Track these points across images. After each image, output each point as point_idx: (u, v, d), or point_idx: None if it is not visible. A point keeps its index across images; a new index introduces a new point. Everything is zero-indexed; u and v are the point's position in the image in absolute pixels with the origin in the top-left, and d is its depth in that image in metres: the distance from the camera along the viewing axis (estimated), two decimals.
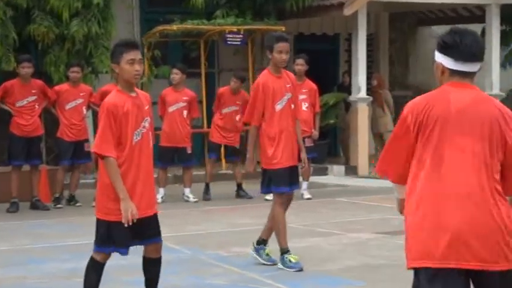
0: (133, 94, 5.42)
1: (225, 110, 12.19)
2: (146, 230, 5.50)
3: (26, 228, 9.90)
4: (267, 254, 7.56)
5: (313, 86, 12.23)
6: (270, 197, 9.42)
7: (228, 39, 15.14)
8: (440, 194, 3.54)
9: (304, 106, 11.80)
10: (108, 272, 7.32)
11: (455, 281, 3.54)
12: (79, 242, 8.83)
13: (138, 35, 15.70)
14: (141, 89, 14.72)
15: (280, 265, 7.33)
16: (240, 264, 7.59)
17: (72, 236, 9.25)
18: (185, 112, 11.90)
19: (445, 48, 3.68)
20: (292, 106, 7.46)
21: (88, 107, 11.87)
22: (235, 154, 12.33)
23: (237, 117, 12.10)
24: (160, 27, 14.82)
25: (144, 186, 5.41)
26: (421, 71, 19.18)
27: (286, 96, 7.42)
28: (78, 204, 11.66)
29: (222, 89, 12.59)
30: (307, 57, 12.14)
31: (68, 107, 11.56)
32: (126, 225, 5.30)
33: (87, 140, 11.94)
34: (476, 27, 17.46)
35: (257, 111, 7.37)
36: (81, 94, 11.64)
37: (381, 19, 18.45)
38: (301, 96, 11.76)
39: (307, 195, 12.08)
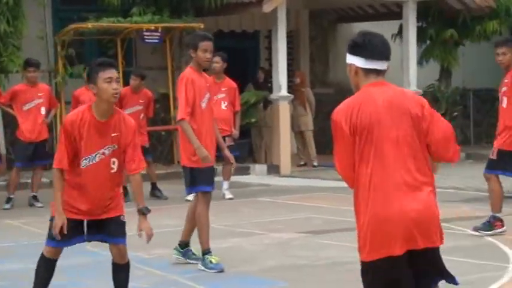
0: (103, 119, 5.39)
1: (128, 111, 11.75)
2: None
3: None
4: (194, 254, 7.60)
5: (233, 84, 12.21)
6: (191, 197, 9.36)
7: (146, 37, 15.02)
8: (386, 187, 3.85)
9: (224, 105, 11.77)
10: (23, 275, 7.17)
11: (402, 263, 3.87)
12: None
13: (51, 34, 15.42)
14: (55, 87, 14.54)
15: (200, 266, 7.29)
16: (161, 266, 7.51)
17: None
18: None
19: (356, 48, 4.02)
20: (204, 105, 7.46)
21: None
22: (146, 153, 12.14)
23: (141, 116, 11.88)
24: (74, 25, 14.58)
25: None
26: (341, 69, 19.30)
27: (207, 95, 7.46)
28: None
29: (123, 90, 12.21)
30: (225, 55, 12.07)
31: None
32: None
33: None
34: (393, 24, 17.76)
35: (189, 106, 7.27)
36: None
37: (300, 16, 18.56)
38: (221, 95, 11.77)
39: (228, 195, 12.02)
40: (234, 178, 13.42)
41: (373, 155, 3.87)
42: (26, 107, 11.36)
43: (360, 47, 4.00)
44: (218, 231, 8.81)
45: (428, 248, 3.88)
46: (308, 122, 16.23)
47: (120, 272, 5.75)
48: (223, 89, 11.82)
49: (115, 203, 5.58)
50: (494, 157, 8.62)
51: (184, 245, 7.64)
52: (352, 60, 4.04)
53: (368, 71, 3.98)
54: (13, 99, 11.38)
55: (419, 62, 17.81)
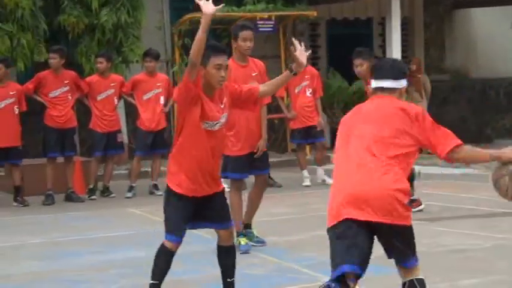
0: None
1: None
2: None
3: (60, 221, 10.00)
4: (257, 236, 7.92)
5: (315, 71, 12.46)
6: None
7: (259, 26, 15.10)
8: (347, 169, 4.66)
9: (308, 92, 11.93)
10: (147, 263, 7.41)
11: (355, 230, 4.57)
12: (113, 234, 8.92)
13: (168, 24, 15.76)
14: (173, 77, 14.86)
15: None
16: (277, 253, 7.59)
17: (106, 227, 9.33)
18: None
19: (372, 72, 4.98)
20: None
21: (120, 97, 11.93)
22: None
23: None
24: (189, 15, 14.82)
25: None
26: (458, 55, 19.02)
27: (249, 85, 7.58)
28: (112, 195, 11.74)
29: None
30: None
31: (99, 97, 11.62)
32: None
33: (119, 131, 11.99)
34: None
35: None
36: (112, 84, 11.68)
37: (415, 2, 18.30)
38: (305, 83, 12.02)
39: (329, 180, 12.15)
40: None
41: (343, 143, 4.77)
42: (145, 97, 11.64)
43: (373, 70, 4.98)
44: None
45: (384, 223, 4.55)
46: (424, 108, 16.03)
47: (228, 254, 5.73)
48: (306, 77, 11.99)
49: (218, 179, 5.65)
50: None
51: (246, 226, 7.93)
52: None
53: (376, 89, 4.86)
54: (134, 89, 11.70)
55: None
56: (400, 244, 4.70)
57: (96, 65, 11.69)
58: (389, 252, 4.78)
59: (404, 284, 4.86)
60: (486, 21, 18.94)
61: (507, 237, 7.96)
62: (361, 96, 15.94)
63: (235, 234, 7.53)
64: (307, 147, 13.90)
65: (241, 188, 7.98)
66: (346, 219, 4.54)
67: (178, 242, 5.55)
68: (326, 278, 6.40)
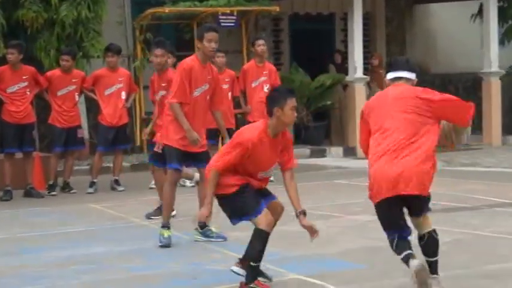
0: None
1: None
2: None
3: (20, 217, 9.94)
4: (216, 232, 8.03)
5: (273, 67, 12.58)
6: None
7: (222, 21, 15.12)
8: (381, 151, 5.60)
9: (266, 88, 12.09)
10: (108, 258, 7.39)
11: (394, 205, 5.73)
12: (74, 230, 8.88)
13: (130, 18, 15.70)
14: (134, 72, 14.81)
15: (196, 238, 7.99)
16: (238, 249, 7.61)
17: (67, 223, 9.28)
18: None
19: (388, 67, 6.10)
20: (208, 97, 7.97)
21: (81, 93, 11.87)
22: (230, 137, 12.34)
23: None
24: (151, 10, 14.81)
25: None
26: (418, 50, 19.19)
27: (204, 86, 7.90)
28: (72, 191, 11.68)
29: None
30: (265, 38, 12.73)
31: (59, 93, 11.56)
32: None
33: (80, 126, 11.94)
34: (473, 4, 17.50)
35: (181, 91, 7.79)
36: (73, 80, 11.62)
37: None
38: (263, 78, 12.11)
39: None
40: (310, 160, 13.51)
41: (377, 128, 5.68)
42: (107, 92, 11.60)
43: (389, 65, 6.14)
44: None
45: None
46: None
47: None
48: (264, 72, 12.13)
49: None
50: None
51: (203, 225, 7.98)
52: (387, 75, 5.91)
53: (395, 79, 5.82)
54: (95, 84, 11.65)
55: (501, 42, 17.50)
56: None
57: (62, 62, 11.58)
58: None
59: (423, 236, 5.91)
60: (446, 17, 19.15)
61: (465, 232, 8.07)
62: (323, 91, 16.09)
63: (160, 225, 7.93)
64: None
65: (177, 181, 8.21)
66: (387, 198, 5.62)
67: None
68: (290, 274, 6.49)
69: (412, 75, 5.84)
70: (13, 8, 12.96)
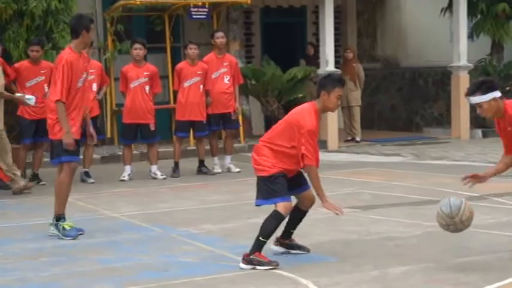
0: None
1: (186, 84, 12.12)
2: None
3: None
4: (67, 226, 8.00)
5: (234, 59, 12.73)
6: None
7: (193, 13, 15.09)
8: None
9: (226, 79, 12.20)
10: (78, 250, 7.35)
11: None
12: (43, 222, 8.80)
13: (100, 10, 15.58)
14: (105, 64, 14.72)
15: (53, 231, 7.92)
16: (210, 241, 7.61)
17: (36, 215, 9.20)
18: (147, 87, 11.89)
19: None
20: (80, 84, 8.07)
21: (49, 84, 11.74)
22: (202, 129, 12.32)
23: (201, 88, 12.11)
24: (122, 2, 14.72)
25: None
26: (389, 44, 19.28)
27: (84, 75, 8.10)
28: (42, 183, 11.58)
29: (180, 64, 12.47)
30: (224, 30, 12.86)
31: (28, 84, 11.45)
32: None
33: None
34: None
35: (66, 88, 7.88)
36: (42, 71, 11.50)
37: None
38: (223, 70, 12.22)
39: (235, 169, 12.34)
40: None
41: None
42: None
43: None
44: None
45: None
46: (357, 97, 16.24)
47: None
48: (225, 64, 12.23)
49: None
50: None
51: (58, 218, 8.04)
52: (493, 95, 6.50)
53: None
54: None
55: (470, 36, 17.60)
56: None
57: (31, 53, 11.46)
58: None
59: None
60: (416, 11, 19.22)
61: (435, 225, 8.10)
62: (295, 84, 16.09)
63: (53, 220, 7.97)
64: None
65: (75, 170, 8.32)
66: None
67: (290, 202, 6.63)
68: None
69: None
70: None
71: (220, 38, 12.26)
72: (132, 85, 11.86)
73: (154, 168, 12.04)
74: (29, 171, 11.79)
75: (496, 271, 6.22)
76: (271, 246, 6.81)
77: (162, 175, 11.97)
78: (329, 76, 6.74)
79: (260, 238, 6.47)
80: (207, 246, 7.42)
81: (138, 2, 14.76)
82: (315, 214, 8.90)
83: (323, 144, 15.38)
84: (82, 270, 6.66)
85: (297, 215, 6.90)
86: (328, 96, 6.52)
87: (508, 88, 17.85)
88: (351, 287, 5.95)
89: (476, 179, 6.64)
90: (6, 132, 11.12)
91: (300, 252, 6.93)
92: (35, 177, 11.68)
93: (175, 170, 12.15)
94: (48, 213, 9.23)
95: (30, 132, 11.47)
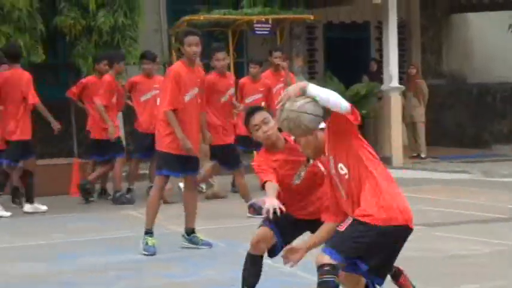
0: None
1: (248, 100, 11.92)
2: None
3: (58, 223, 10.01)
4: (203, 239, 8.12)
5: (290, 75, 12.39)
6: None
7: (257, 29, 15.19)
8: None
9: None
10: (146, 265, 7.45)
11: None
12: (111, 236, 8.96)
13: (166, 26, 15.81)
14: None
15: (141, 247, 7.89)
16: (276, 258, 7.62)
17: (103, 229, 9.36)
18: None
19: None
20: (199, 101, 8.06)
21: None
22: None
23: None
24: (187, 18, 14.89)
25: None
26: (455, 59, 19.11)
27: (194, 90, 7.97)
28: (110, 197, 11.71)
29: (243, 80, 12.16)
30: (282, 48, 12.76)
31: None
32: None
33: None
34: (510, 14, 17.39)
35: (173, 98, 7.85)
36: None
37: (412, 6, 18.40)
38: (279, 85, 11.92)
39: None
40: None
41: None
42: (143, 98, 11.60)
43: None
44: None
45: None
46: (421, 113, 16.14)
47: None
48: (261, 89, 11.71)
49: None
50: None
51: (190, 231, 8.11)
52: None
53: None
54: (131, 91, 11.71)
55: None
56: None
57: (105, 67, 11.53)
58: None
59: None
60: (483, 26, 19.04)
61: (505, 243, 8.02)
62: (358, 100, 16.04)
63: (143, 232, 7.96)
64: None
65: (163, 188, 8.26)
66: None
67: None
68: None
69: None
70: (52, 15, 13.13)
71: (277, 57, 11.99)
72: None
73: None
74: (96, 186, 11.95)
75: None
76: None
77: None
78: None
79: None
80: (271, 262, 7.43)
81: (202, 18, 14.92)
82: None
83: (387, 160, 15.31)
84: (150, 285, 6.75)
85: None
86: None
87: None
88: None
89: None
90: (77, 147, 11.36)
91: None
92: (104, 192, 11.89)
93: None
94: (116, 228, 9.41)
95: (144, 146, 11.58)
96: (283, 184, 5.38)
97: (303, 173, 5.45)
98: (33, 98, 10.49)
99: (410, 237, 8.13)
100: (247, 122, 5.58)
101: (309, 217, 5.52)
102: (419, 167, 15.10)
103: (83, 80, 11.91)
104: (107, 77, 11.30)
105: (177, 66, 8.04)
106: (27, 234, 9.22)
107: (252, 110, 5.67)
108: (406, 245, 7.95)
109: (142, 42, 13.66)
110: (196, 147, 8.04)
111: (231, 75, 10.83)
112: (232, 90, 10.52)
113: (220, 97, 10.26)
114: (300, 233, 5.69)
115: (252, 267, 5.69)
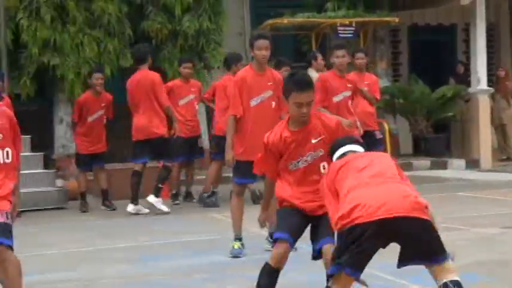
0: None
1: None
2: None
3: (144, 225, 10.12)
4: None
5: (374, 77, 12.11)
6: None
7: (340, 31, 15.10)
8: None
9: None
10: (231, 268, 7.44)
11: None
12: (196, 239, 8.98)
13: (249, 29, 15.84)
14: None
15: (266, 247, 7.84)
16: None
17: (189, 232, 9.40)
18: None
19: None
20: (273, 104, 7.77)
21: (198, 102, 11.95)
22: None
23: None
24: (270, 21, 14.91)
25: None
26: None
27: (263, 94, 7.76)
28: (194, 200, 11.80)
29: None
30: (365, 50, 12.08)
31: (181, 102, 11.66)
32: None
33: (200, 136, 12.03)
34: None
35: (238, 103, 7.71)
36: (192, 89, 11.72)
37: (501, 8, 18.00)
38: (364, 89, 11.59)
39: None
40: (431, 172, 13.22)
41: None
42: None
43: None
44: None
45: None
46: (511, 115, 15.83)
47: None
48: (366, 83, 11.61)
49: None
50: None
51: (271, 235, 7.83)
52: None
53: None
54: (215, 95, 11.72)
55: None
56: None
57: (185, 70, 11.61)
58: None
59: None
60: None
61: None
62: (445, 103, 15.79)
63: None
64: None
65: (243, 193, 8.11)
66: None
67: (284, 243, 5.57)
68: (411, 285, 6.32)
69: None
70: (139, 20, 13.29)
71: (360, 58, 11.74)
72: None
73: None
74: (182, 189, 12.02)
75: None
76: None
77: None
78: (289, 77, 5.42)
79: None
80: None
81: (286, 21, 14.91)
82: (468, 233, 8.69)
83: (476, 163, 15.03)
84: (235, 287, 6.73)
85: None
86: (289, 104, 5.29)
87: None
88: None
89: None
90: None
91: None
92: (188, 195, 11.94)
93: None
94: (201, 230, 9.44)
95: (184, 151, 11.65)
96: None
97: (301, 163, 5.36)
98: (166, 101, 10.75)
99: (500, 239, 7.93)
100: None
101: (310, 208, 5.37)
102: (509, 169, 14.76)
103: (169, 83, 11.99)
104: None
105: (243, 71, 7.93)
106: (118, 236, 9.33)
107: (305, 83, 5.28)
108: (499, 248, 7.79)
109: (226, 46, 13.70)
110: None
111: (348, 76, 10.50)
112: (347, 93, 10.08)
113: (332, 96, 9.94)
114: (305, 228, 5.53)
115: (269, 279, 5.49)
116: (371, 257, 4.51)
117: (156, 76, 10.70)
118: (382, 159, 4.86)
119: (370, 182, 4.55)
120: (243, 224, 8.11)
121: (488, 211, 10.18)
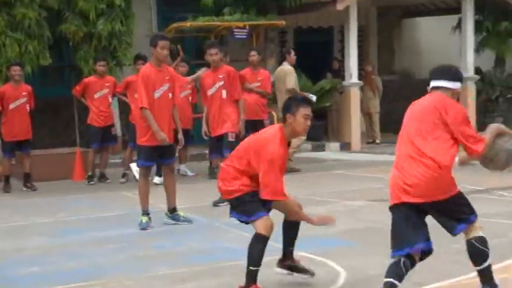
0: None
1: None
2: None
3: (64, 203, 10.04)
4: (183, 216, 8.17)
5: (267, 73, 12.12)
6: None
7: (235, 33, 15.19)
8: (399, 157, 4.95)
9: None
10: (138, 238, 7.50)
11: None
12: (109, 214, 9.00)
13: (156, 31, 15.75)
14: None
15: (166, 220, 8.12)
16: (250, 229, 7.68)
17: (103, 208, 9.39)
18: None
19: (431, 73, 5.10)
20: (170, 95, 7.96)
21: (113, 96, 11.93)
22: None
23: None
24: (175, 24, 14.87)
25: None
26: (405, 58, 19.22)
27: (163, 87, 7.90)
28: (108, 181, 11.79)
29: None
30: (258, 49, 12.31)
31: (96, 96, 11.65)
32: None
33: (113, 125, 12.01)
34: (453, 18, 17.51)
35: (147, 97, 7.81)
36: (107, 84, 11.70)
37: (370, 12, 18.47)
38: (257, 84, 11.67)
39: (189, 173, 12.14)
40: (312, 154, 13.46)
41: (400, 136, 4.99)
42: (136, 96, 11.60)
43: (432, 72, 5.09)
44: (300, 200, 8.94)
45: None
46: (376, 105, 16.26)
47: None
48: (259, 78, 11.67)
49: None
50: None
51: (172, 210, 8.16)
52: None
53: (432, 88, 4.99)
54: (127, 89, 11.70)
55: (476, 51, 17.53)
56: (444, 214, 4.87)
57: (100, 68, 11.56)
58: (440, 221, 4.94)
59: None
60: (430, 29, 19.15)
61: None
62: (323, 95, 16.11)
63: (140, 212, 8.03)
64: None
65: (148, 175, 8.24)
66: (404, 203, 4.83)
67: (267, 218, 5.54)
68: (297, 252, 6.52)
69: (452, 85, 4.95)
70: (57, 23, 13.08)
71: (251, 56, 11.82)
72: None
73: (182, 166, 12.17)
74: (97, 171, 11.97)
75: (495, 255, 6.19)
76: (275, 269, 5.69)
77: (191, 172, 12.10)
78: (292, 98, 5.51)
79: (250, 268, 5.27)
80: (248, 234, 7.48)
81: (188, 25, 14.92)
82: (340, 206, 8.98)
83: (347, 146, 15.43)
84: (142, 254, 6.82)
85: (289, 229, 5.60)
86: (294, 118, 5.26)
87: (509, 96, 17.75)
88: (372, 268, 6.01)
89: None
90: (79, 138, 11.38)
91: (303, 275, 5.66)
92: (103, 176, 11.90)
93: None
94: (113, 207, 9.45)
95: (98, 138, 11.64)
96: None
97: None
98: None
99: (366, 211, 8.24)
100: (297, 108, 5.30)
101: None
102: (374, 150, 15.22)
103: (85, 79, 11.87)
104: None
105: (145, 68, 7.99)
106: (37, 213, 9.25)
107: (308, 100, 5.50)
108: (364, 217, 8.10)
109: (136, 46, 13.64)
110: (169, 136, 7.98)
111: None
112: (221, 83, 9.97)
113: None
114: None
115: (264, 248, 5.35)
116: None
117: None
118: None
119: None
120: (150, 200, 8.19)
121: (357, 186, 10.52)
